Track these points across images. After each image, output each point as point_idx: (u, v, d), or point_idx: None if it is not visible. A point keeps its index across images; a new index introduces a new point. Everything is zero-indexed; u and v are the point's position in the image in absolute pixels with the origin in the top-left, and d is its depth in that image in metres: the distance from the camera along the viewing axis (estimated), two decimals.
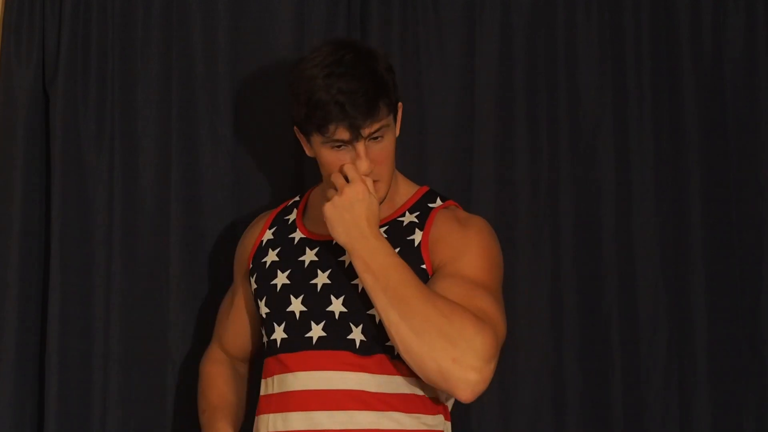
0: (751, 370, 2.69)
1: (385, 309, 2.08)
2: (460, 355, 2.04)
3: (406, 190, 2.34)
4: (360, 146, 2.16)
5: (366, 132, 2.14)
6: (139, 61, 2.70)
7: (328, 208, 2.15)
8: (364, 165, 2.16)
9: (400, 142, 2.31)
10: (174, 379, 2.63)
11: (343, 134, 2.14)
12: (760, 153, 2.72)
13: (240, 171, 2.69)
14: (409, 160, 2.61)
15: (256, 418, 2.28)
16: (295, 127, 2.27)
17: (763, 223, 2.71)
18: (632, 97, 2.71)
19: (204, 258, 2.67)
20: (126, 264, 2.67)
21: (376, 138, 2.17)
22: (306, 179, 2.67)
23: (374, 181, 2.19)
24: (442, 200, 2.33)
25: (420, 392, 2.19)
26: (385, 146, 2.19)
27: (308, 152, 2.28)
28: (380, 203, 2.21)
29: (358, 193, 2.13)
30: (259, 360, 2.39)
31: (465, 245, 2.21)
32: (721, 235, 2.69)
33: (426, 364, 2.06)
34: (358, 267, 2.12)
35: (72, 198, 2.67)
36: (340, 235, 2.14)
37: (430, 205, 2.30)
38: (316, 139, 2.20)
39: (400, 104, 2.26)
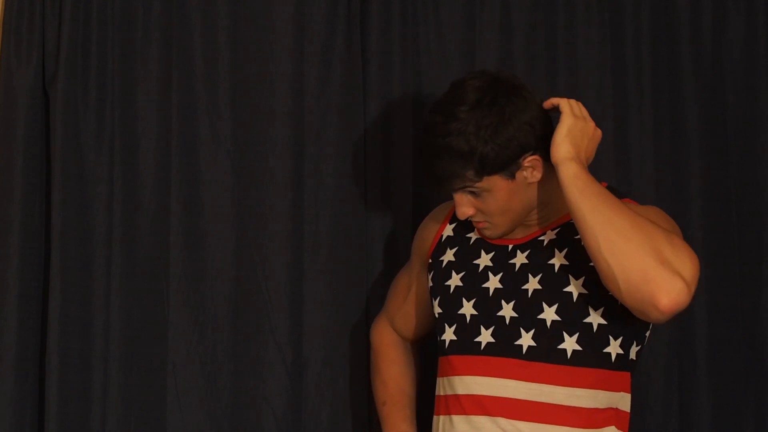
0: (751, 370, 2.69)
1: (594, 209, 2.04)
2: (670, 259, 1.99)
3: None
4: (455, 196, 2.19)
5: (450, 191, 2.18)
6: (139, 61, 2.70)
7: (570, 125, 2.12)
8: (458, 213, 2.20)
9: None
10: (174, 379, 2.63)
11: None
12: (760, 153, 2.72)
13: (240, 171, 2.69)
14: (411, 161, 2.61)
15: (434, 417, 2.29)
16: None
17: (763, 223, 2.71)
18: (632, 97, 2.71)
19: (204, 258, 2.66)
20: (126, 264, 2.67)
21: (473, 192, 2.17)
22: (306, 179, 2.67)
23: (478, 221, 2.21)
24: (619, 196, 2.25)
25: (585, 405, 2.16)
26: (484, 200, 2.18)
27: None
28: (492, 237, 2.24)
29: (589, 129, 2.16)
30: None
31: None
32: (721, 235, 2.69)
33: (630, 263, 1.99)
34: (569, 173, 2.09)
35: (72, 198, 2.67)
36: (567, 143, 2.12)
37: None
38: None
39: (530, 158, 2.16)
